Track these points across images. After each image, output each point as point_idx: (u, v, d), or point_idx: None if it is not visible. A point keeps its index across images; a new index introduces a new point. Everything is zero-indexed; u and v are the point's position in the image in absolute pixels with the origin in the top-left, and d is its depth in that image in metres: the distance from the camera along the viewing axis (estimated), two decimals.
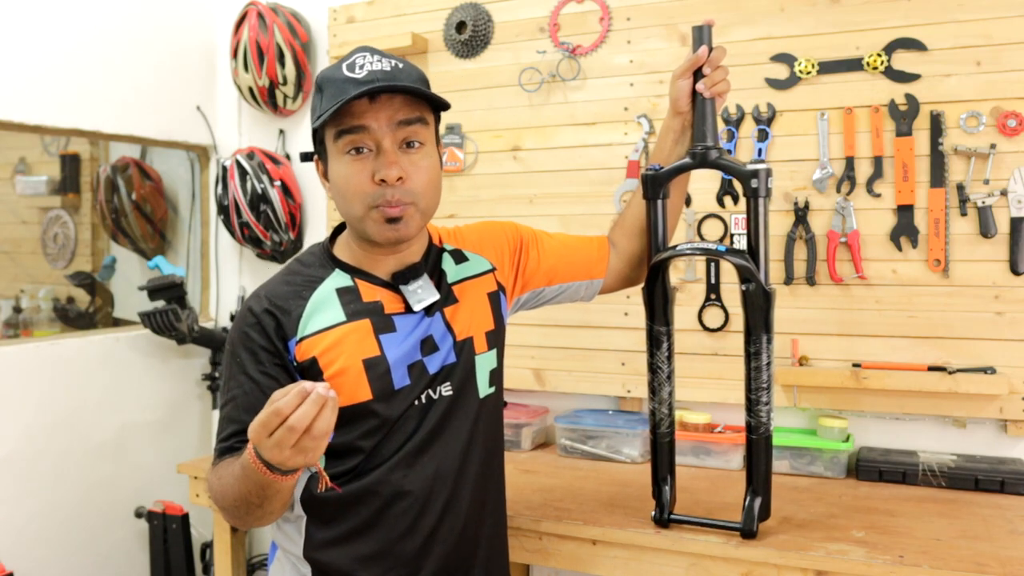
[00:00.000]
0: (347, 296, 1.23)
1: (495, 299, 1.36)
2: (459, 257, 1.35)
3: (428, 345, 1.25)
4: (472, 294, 1.32)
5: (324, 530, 1.24)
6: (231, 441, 1.18)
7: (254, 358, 1.19)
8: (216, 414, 2.64)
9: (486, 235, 1.42)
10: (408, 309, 1.24)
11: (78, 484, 2.35)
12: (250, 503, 1.09)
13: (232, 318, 2.70)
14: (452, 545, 1.26)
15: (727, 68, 1.40)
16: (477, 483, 1.29)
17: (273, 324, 1.20)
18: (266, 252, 2.60)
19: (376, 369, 1.20)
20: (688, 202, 2.08)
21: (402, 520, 1.22)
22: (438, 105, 1.22)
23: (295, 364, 1.20)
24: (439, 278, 1.30)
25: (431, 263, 1.31)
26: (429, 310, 1.26)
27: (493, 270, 1.38)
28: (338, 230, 1.33)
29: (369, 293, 1.24)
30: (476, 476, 1.29)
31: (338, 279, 1.25)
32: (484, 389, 1.30)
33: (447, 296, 1.29)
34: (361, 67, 1.16)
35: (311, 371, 1.19)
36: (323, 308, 1.21)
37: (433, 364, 1.24)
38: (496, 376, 1.34)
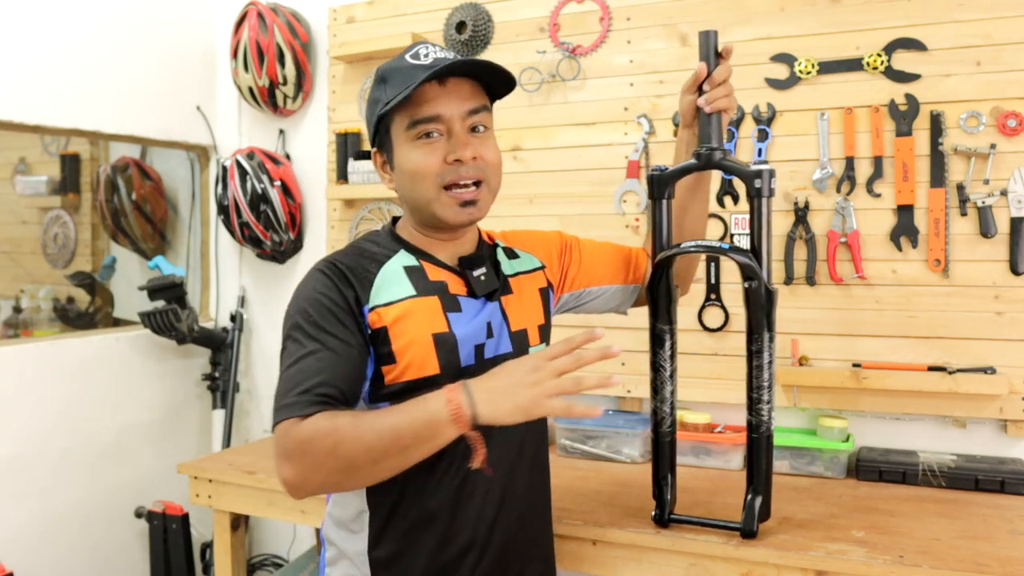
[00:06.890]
0: (415, 274, 1.24)
1: (545, 295, 1.39)
2: (511, 254, 1.39)
3: (488, 330, 1.27)
4: (525, 288, 1.35)
5: (389, 523, 1.23)
6: (323, 391, 1.10)
7: (335, 318, 1.16)
8: (217, 414, 2.65)
9: (534, 238, 1.46)
10: (471, 293, 1.26)
11: (78, 484, 2.36)
12: (396, 448, 1.05)
13: (231, 319, 2.70)
14: (511, 533, 1.27)
15: (730, 85, 1.39)
16: (531, 470, 1.31)
17: (350, 289, 1.19)
18: (266, 252, 2.60)
19: (445, 344, 1.21)
20: None
21: (467, 507, 1.23)
22: (495, 94, 1.27)
23: (369, 332, 1.19)
24: (496, 269, 1.33)
25: (488, 255, 1.33)
26: (490, 297, 1.28)
27: (543, 267, 1.41)
28: (394, 221, 1.35)
29: (435, 274, 1.26)
30: (529, 464, 1.31)
31: (404, 258, 1.26)
32: None
33: (504, 286, 1.32)
34: (426, 55, 1.20)
35: (381, 340, 1.19)
36: (392, 282, 1.22)
37: (489, 350, 1.26)
38: None
